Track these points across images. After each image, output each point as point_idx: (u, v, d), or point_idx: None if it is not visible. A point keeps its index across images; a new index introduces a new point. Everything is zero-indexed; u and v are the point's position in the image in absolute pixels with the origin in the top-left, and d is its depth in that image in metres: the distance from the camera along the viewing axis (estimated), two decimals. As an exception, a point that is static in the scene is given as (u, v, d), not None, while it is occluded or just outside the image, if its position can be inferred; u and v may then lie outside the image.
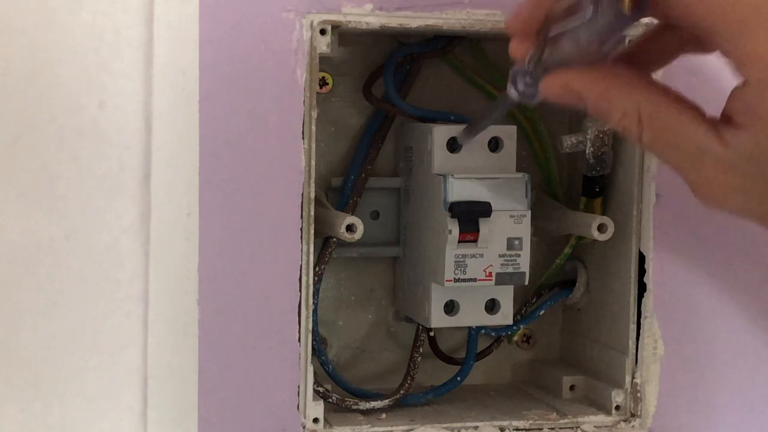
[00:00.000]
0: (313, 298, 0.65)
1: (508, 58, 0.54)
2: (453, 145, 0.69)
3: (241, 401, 0.63)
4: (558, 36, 0.50)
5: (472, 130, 0.67)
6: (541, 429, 0.70)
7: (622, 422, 0.70)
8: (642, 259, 0.69)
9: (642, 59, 0.54)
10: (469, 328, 0.73)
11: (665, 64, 0.56)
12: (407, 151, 0.73)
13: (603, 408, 0.71)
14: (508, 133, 0.70)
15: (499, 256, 0.68)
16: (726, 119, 0.49)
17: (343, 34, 0.66)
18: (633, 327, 0.70)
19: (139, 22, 0.61)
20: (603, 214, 0.71)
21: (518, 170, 0.70)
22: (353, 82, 0.73)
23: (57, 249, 0.61)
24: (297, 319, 0.64)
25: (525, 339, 0.78)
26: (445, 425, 0.68)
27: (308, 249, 0.64)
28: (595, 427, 0.70)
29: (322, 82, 0.72)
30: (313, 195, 0.64)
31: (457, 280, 0.67)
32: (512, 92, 0.55)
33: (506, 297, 0.71)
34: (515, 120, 0.73)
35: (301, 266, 0.64)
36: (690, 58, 0.66)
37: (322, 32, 0.63)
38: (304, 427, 0.65)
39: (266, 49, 0.62)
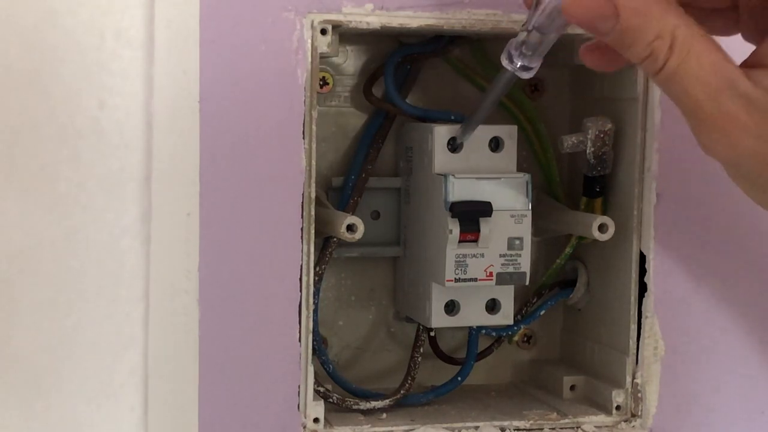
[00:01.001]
0: (314, 298, 0.65)
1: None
2: (453, 145, 0.69)
3: (241, 401, 0.63)
4: None
5: (471, 123, 0.67)
6: (542, 429, 0.70)
7: (622, 422, 0.70)
8: (642, 259, 0.69)
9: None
10: (470, 328, 0.73)
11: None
12: (407, 151, 0.73)
13: (603, 408, 0.71)
14: (509, 132, 0.70)
15: (500, 255, 0.68)
16: (754, 63, 0.48)
17: (343, 34, 0.66)
18: (634, 327, 0.70)
19: (139, 22, 0.61)
20: (604, 214, 0.71)
21: (519, 170, 0.70)
22: (353, 82, 0.73)
23: (57, 249, 0.61)
24: (297, 319, 0.64)
25: (525, 339, 0.78)
26: (446, 425, 0.68)
27: (308, 249, 0.64)
28: (595, 427, 0.70)
29: (323, 82, 0.72)
30: (313, 195, 0.64)
31: (457, 280, 0.67)
32: (508, 66, 0.55)
33: (507, 297, 0.71)
34: (516, 120, 0.73)
35: (301, 266, 0.64)
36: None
37: (323, 32, 0.63)
38: (304, 427, 0.65)
39: (267, 48, 0.62)
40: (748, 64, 0.49)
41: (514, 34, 0.67)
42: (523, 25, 0.55)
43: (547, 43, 0.56)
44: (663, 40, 0.48)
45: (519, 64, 0.56)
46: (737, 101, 0.48)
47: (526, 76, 0.57)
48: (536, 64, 0.57)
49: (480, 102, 0.65)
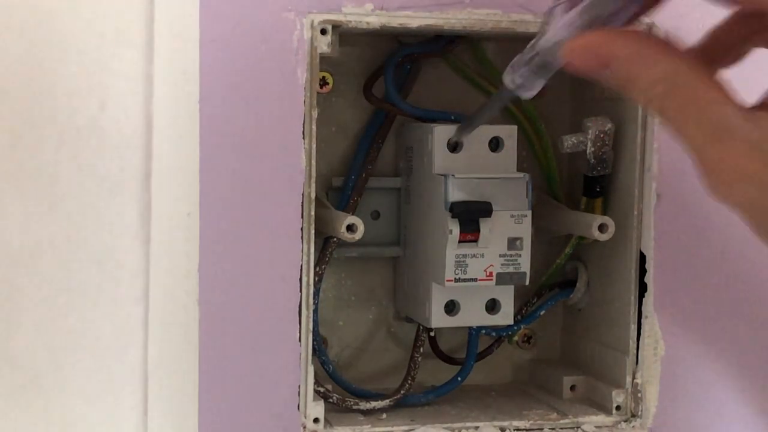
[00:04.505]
0: (314, 298, 0.65)
1: (508, 58, 0.54)
2: (454, 145, 0.69)
3: (241, 401, 0.63)
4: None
5: (468, 126, 0.67)
6: (542, 429, 0.70)
7: (622, 422, 0.70)
8: (642, 259, 0.69)
9: (711, 54, 0.50)
10: (470, 328, 0.73)
11: (736, 60, 0.51)
12: (408, 151, 0.73)
13: (603, 408, 0.71)
14: (509, 132, 0.70)
15: (500, 256, 0.68)
16: (761, 105, 0.47)
17: (343, 34, 0.66)
18: (633, 327, 0.70)
19: (139, 22, 0.61)
20: (604, 214, 0.71)
21: (519, 170, 0.70)
22: (353, 82, 0.73)
23: (57, 249, 0.61)
24: (297, 319, 0.64)
25: (525, 339, 0.78)
26: (446, 425, 0.68)
27: (308, 249, 0.64)
28: (595, 427, 0.70)
29: (323, 82, 0.72)
30: (313, 195, 0.64)
31: (457, 280, 0.67)
32: (509, 83, 0.54)
33: (507, 297, 0.71)
34: (516, 120, 0.73)
35: (301, 266, 0.64)
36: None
37: (323, 32, 0.63)
38: (304, 427, 0.65)
39: (267, 48, 0.62)
40: (757, 105, 0.48)
41: (514, 34, 0.67)
42: (528, 46, 0.53)
43: (549, 69, 0.55)
44: (660, 84, 0.47)
45: (519, 82, 0.55)
46: (736, 146, 0.45)
47: (525, 96, 0.56)
48: (537, 85, 0.56)
49: (479, 108, 0.64)
